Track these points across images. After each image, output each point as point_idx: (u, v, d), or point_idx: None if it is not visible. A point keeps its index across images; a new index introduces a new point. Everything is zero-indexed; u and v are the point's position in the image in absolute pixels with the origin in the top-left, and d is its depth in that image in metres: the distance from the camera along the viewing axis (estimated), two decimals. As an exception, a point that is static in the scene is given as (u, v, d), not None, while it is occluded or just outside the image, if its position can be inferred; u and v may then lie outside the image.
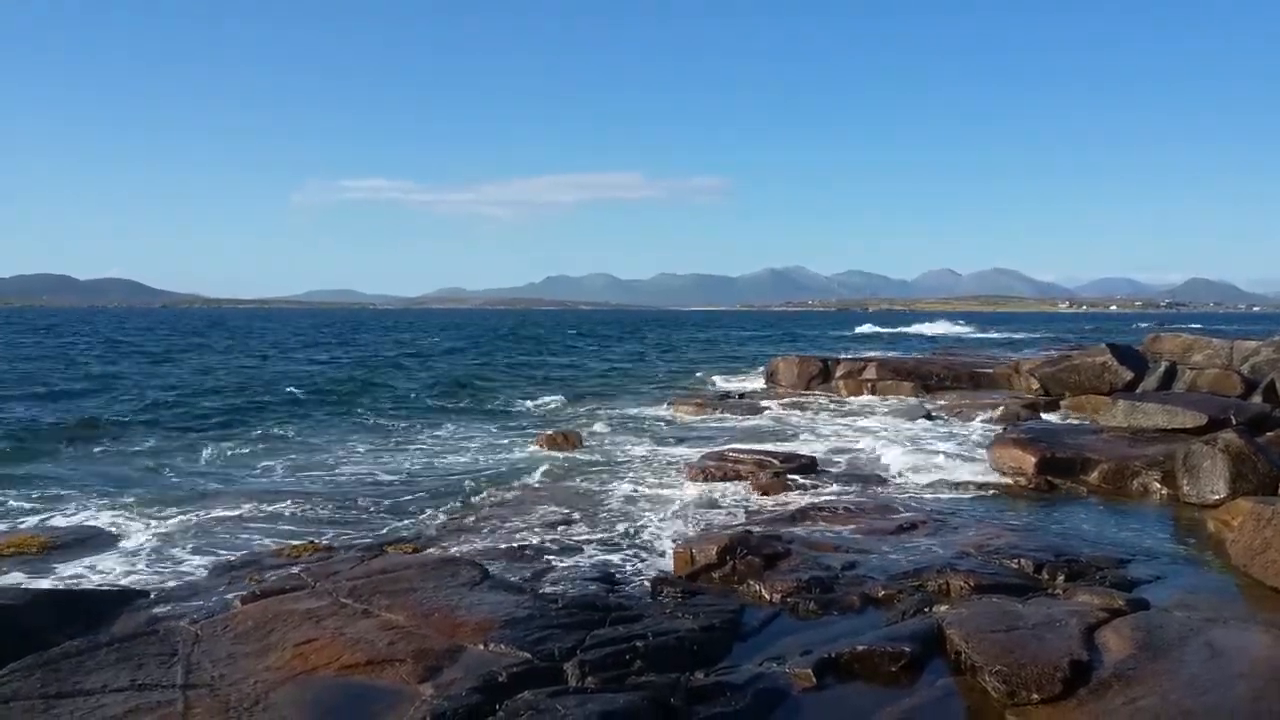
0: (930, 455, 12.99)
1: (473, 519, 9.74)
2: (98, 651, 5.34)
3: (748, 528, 8.32)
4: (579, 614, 5.89)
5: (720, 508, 10.01)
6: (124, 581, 7.56)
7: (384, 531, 9.30)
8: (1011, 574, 6.93)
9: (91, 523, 9.66)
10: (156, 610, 6.48)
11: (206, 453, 14.31)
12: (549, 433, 15.31)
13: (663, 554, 8.07)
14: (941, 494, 10.26)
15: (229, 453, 14.37)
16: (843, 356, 25.66)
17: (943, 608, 5.96)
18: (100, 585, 7.41)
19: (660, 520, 9.47)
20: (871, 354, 29.64)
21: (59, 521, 9.84)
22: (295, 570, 7.25)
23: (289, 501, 10.76)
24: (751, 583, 6.81)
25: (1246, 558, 6.87)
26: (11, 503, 10.68)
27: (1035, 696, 4.72)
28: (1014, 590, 6.39)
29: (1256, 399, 14.66)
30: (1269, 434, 11.59)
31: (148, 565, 8.09)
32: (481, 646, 5.39)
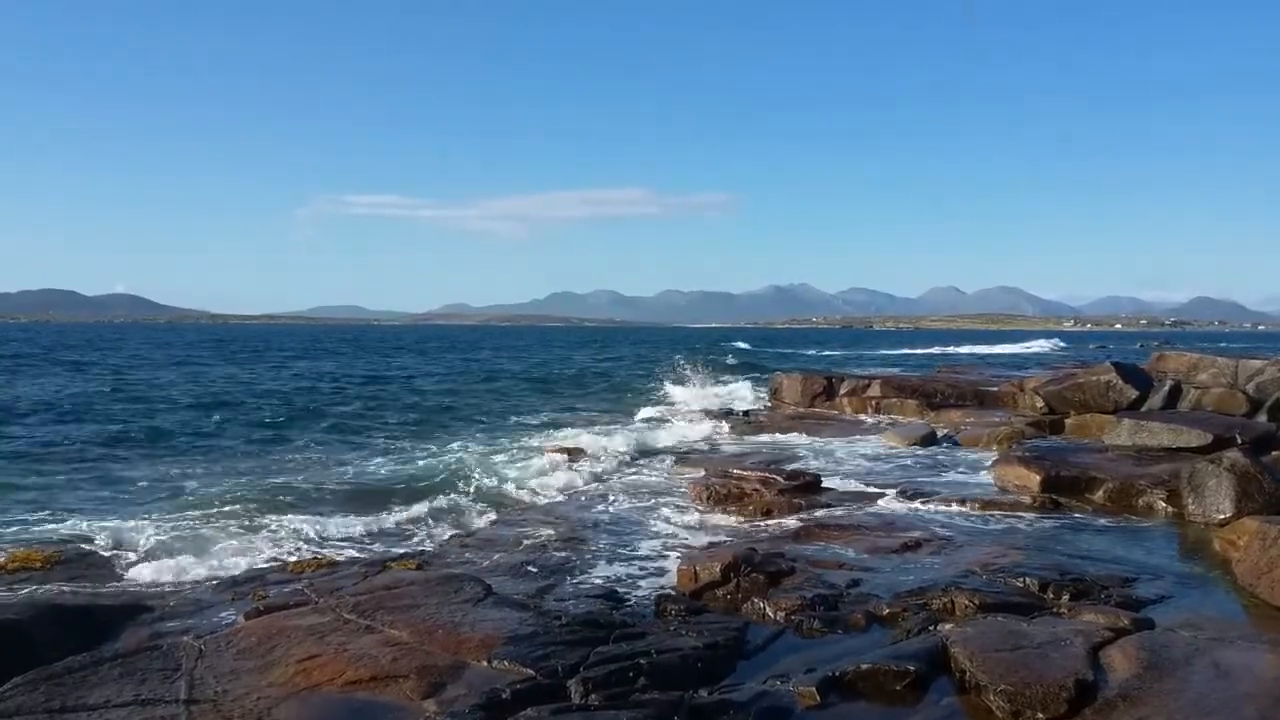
0: (935, 473, 12.98)
1: (476, 535, 9.74)
2: (101, 666, 5.35)
3: (752, 545, 8.30)
4: (582, 631, 5.88)
5: (724, 525, 9.99)
6: (128, 596, 7.57)
7: (387, 547, 9.30)
8: (1016, 593, 6.90)
9: (96, 537, 9.65)
10: (160, 625, 6.49)
11: (212, 467, 14.33)
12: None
13: (667, 571, 8.05)
14: (946, 512, 10.23)
15: (235, 467, 14.39)
16: (848, 374, 25.64)
17: (947, 626, 5.94)
18: (104, 600, 7.41)
19: (664, 537, 9.46)
20: (877, 372, 29.63)
21: (64, 535, 9.84)
22: (299, 586, 7.25)
23: (293, 516, 10.76)
24: (756, 600, 6.80)
25: (1252, 577, 6.85)
26: (17, 516, 10.70)
27: (1040, 716, 4.70)
28: (1019, 609, 6.36)
29: (1262, 418, 14.63)
30: (1274, 453, 11.56)
31: (151, 580, 8.10)
32: (485, 663, 5.38)
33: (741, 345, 66.32)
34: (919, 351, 67.99)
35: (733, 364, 42.33)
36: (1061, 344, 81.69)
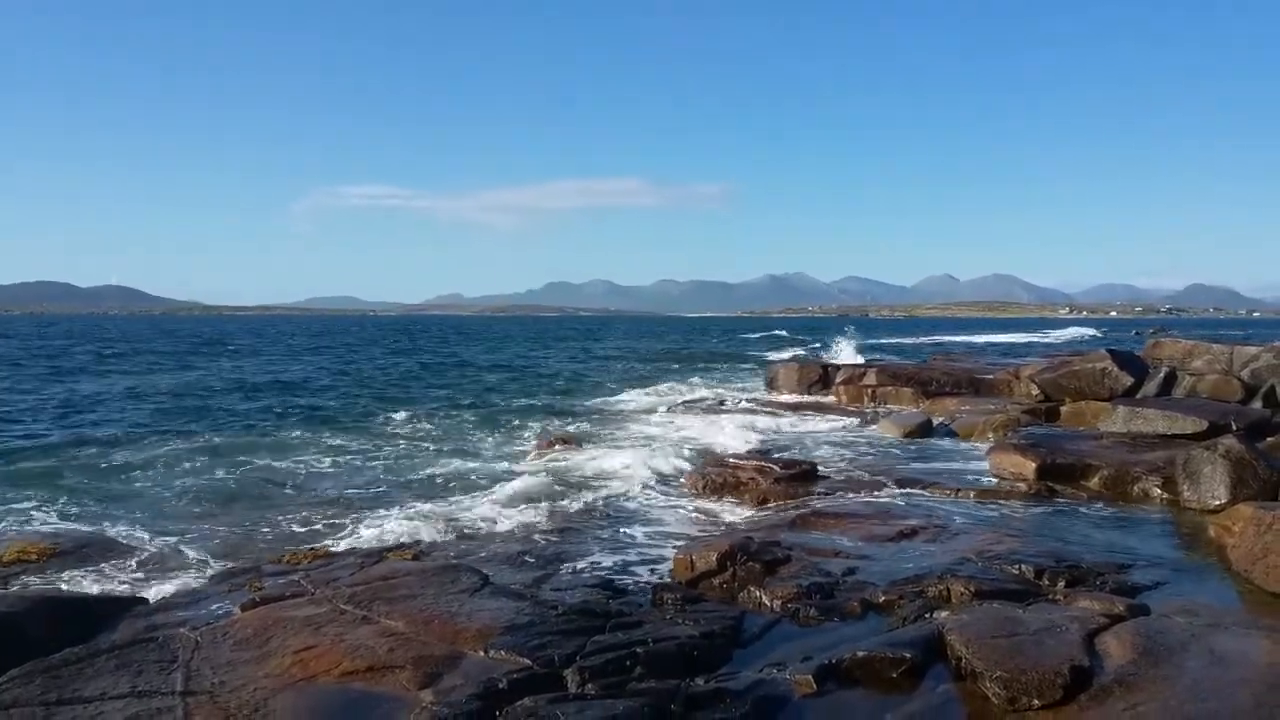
0: (930, 461, 13.00)
1: (473, 525, 9.73)
2: (97, 658, 5.34)
3: (748, 534, 8.31)
4: (579, 620, 5.88)
5: (721, 514, 10.00)
6: (124, 588, 7.57)
7: (384, 537, 9.30)
8: (1012, 580, 6.91)
9: (92, 529, 9.66)
10: (156, 617, 6.48)
11: (208, 459, 14.31)
12: (549, 438, 15.31)
13: (663, 560, 8.06)
14: (942, 500, 10.25)
15: (231, 459, 14.37)
16: (842, 363, 25.68)
17: (943, 614, 5.95)
18: (100, 592, 7.41)
19: (660, 526, 9.47)
20: (873, 359, 29.65)
21: (60, 528, 9.84)
22: (295, 577, 7.25)
23: (289, 507, 10.77)
24: (752, 589, 6.81)
25: (1247, 563, 6.87)
26: (14, 509, 10.68)
27: (1036, 702, 4.71)
28: (1015, 596, 6.38)
29: (1257, 404, 14.67)
30: (1269, 439, 11.61)
31: (148, 572, 8.10)
32: (482, 653, 5.38)
33: (782, 333, 65.05)
34: (973, 339, 66.01)
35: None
36: (1096, 333, 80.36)
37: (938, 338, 70.89)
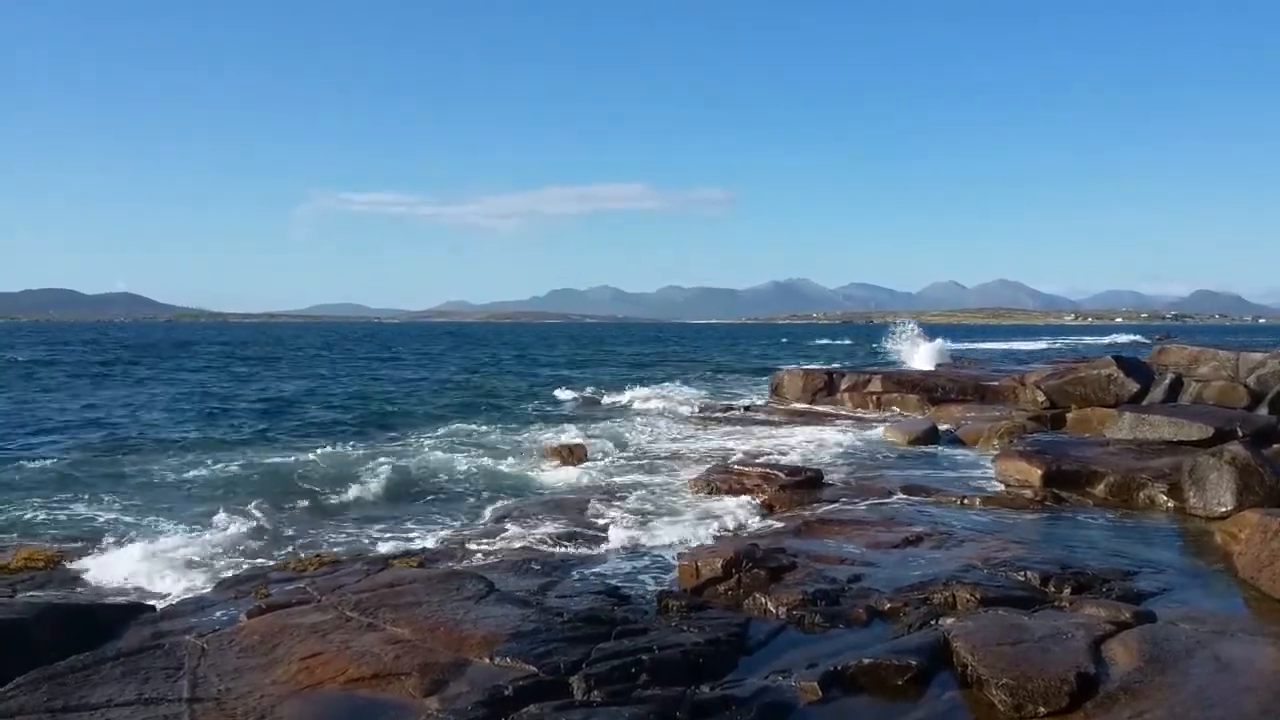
0: (936, 468, 12.98)
1: (478, 532, 9.75)
2: (104, 665, 5.36)
3: (753, 541, 8.31)
4: (584, 627, 5.89)
5: (726, 521, 9.98)
6: (130, 595, 7.59)
7: (389, 545, 9.31)
8: (1018, 586, 6.90)
9: (99, 537, 9.68)
10: (162, 624, 6.49)
11: (214, 465, 14.34)
12: (555, 446, 15.31)
13: (668, 567, 8.06)
14: (947, 506, 10.23)
15: (236, 465, 14.40)
16: (843, 369, 25.68)
17: (949, 620, 5.94)
18: (107, 599, 7.43)
19: (666, 533, 9.46)
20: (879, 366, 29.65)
21: (67, 535, 9.87)
22: (301, 584, 7.26)
23: (295, 514, 10.78)
24: (757, 596, 6.80)
25: (1254, 570, 6.85)
26: (21, 516, 10.71)
27: (1042, 710, 4.70)
28: (1020, 603, 6.37)
29: (1263, 411, 14.63)
30: (1275, 446, 11.56)
31: (154, 579, 8.12)
32: (487, 660, 5.39)
33: (824, 341, 64.98)
34: (1021, 346, 64.31)
35: None
36: (1143, 339, 79.72)
37: (975, 344, 69.37)
